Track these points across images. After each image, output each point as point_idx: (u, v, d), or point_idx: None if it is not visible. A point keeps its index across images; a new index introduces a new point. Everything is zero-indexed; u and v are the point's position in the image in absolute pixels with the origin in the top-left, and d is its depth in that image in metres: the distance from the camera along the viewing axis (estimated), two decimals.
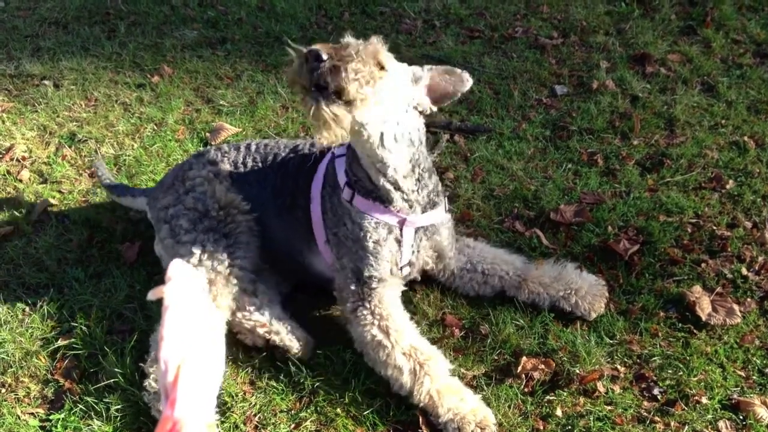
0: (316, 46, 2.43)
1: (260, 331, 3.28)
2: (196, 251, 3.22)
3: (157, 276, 3.60)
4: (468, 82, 3.04)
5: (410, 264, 3.31)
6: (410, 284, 3.49)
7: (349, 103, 2.52)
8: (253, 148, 3.53)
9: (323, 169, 3.28)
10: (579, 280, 3.49)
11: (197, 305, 1.67)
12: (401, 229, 3.17)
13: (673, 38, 5.73)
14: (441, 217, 3.29)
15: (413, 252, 3.29)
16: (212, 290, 3.16)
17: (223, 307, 3.21)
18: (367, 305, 3.13)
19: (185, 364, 1.52)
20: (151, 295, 1.67)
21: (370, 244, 3.12)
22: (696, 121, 4.77)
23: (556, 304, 3.47)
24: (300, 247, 3.42)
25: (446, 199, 3.35)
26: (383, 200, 3.07)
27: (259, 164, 3.49)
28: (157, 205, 3.44)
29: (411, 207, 3.11)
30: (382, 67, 2.67)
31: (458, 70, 3.04)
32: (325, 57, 2.42)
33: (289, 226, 3.40)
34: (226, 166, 3.49)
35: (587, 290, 3.46)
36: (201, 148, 3.69)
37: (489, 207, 4.10)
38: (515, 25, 6.02)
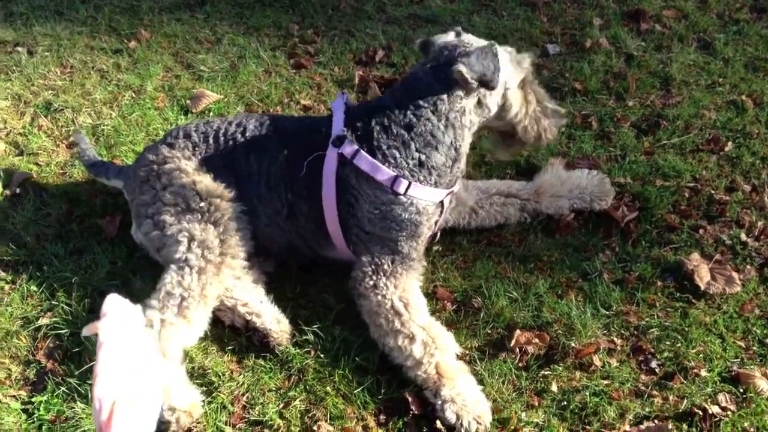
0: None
1: (241, 310, 3.18)
2: (184, 239, 3.12)
3: (138, 253, 3.49)
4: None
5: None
6: None
7: None
8: (222, 141, 3.34)
9: (332, 176, 3.12)
10: (582, 179, 3.74)
11: (133, 341, 1.66)
12: (442, 202, 3.24)
13: None
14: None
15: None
16: (201, 279, 3.06)
17: (211, 297, 3.11)
18: (392, 280, 3.11)
19: (120, 402, 1.52)
20: (86, 331, 1.65)
21: (424, 230, 3.17)
22: (692, 80, 4.63)
23: (574, 206, 3.73)
24: (311, 246, 3.36)
25: None
26: (438, 182, 3.14)
27: (231, 163, 3.33)
28: (136, 200, 3.33)
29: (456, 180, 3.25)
30: None
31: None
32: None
33: (293, 233, 3.32)
34: (197, 162, 3.33)
35: (594, 185, 3.73)
36: (171, 130, 3.50)
37: (481, 173, 3.99)
38: None
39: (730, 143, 4.11)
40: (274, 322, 3.18)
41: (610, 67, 4.75)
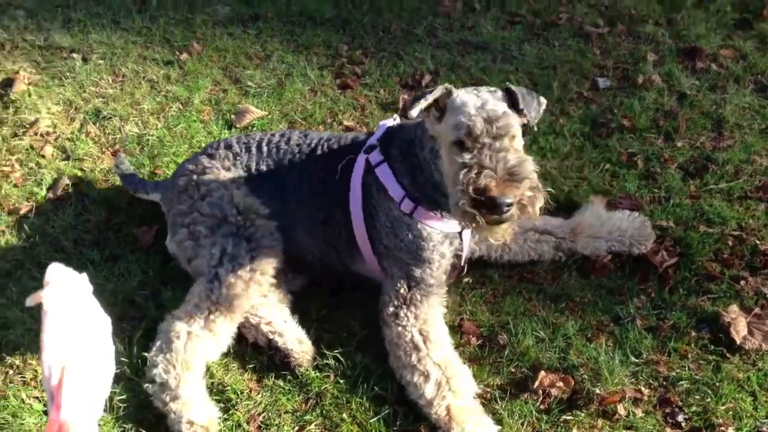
0: (500, 195, 2.54)
1: (265, 328, 3.19)
2: (216, 252, 3.16)
3: (171, 264, 3.52)
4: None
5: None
6: None
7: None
8: (265, 150, 3.42)
9: (359, 181, 3.18)
10: (622, 222, 3.64)
11: (80, 308, 1.68)
12: (461, 233, 3.16)
13: (727, 32, 5.42)
14: None
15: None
16: (229, 294, 3.09)
17: (238, 312, 3.14)
18: (413, 309, 3.09)
19: (69, 368, 1.54)
20: (30, 301, 1.66)
21: (434, 256, 3.11)
22: (746, 124, 4.51)
23: (612, 248, 3.62)
24: (341, 258, 3.36)
25: None
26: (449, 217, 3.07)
27: (274, 169, 3.39)
28: (173, 209, 3.38)
29: None
30: (514, 137, 2.78)
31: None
32: (512, 201, 2.56)
33: (326, 241, 3.33)
34: (240, 172, 3.40)
35: (635, 227, 3.63)
36: (212, 142, 3.58)
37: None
38: (559, 10, 5.74)
39: None
40: (297, 342, 3.18)
41: (661, 105, 4.65)
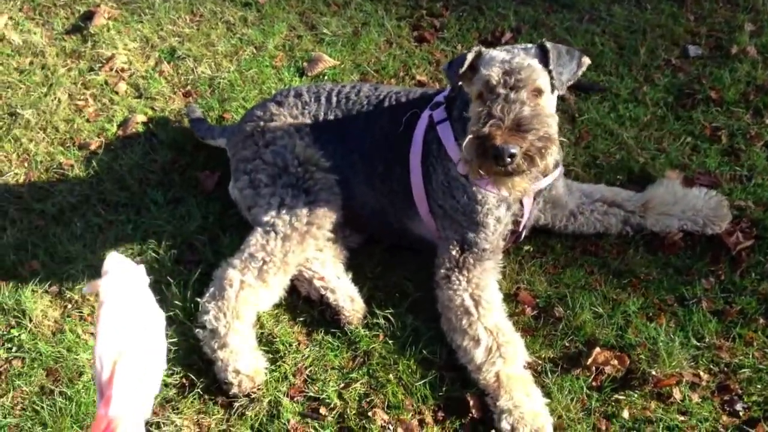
0: (503, 143, 2.49)
1: (317, 283, 3.18)
2: (274, 203, 3.17)
3: (231, 211, 3.55)
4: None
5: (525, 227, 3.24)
6: None
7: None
8: (334, 101, 3.38)
9: (421, 136, 3.14)
10: (698, 200, 3.47)
11: (136, 300, 1.64)
12: (521, 200, 3.08)
13: None
14: (557, 173, 3.15)
15: (531, 214, 3.22)
16: (285, 246, 3.09)
17: (292, 264, 3.15)
18: (465, 273, 3.03)
19: (121, 362, 1.50)
20: (87, 290, 1.65)
21: (489, 220, 3.05)
22: None
23: (684, 227, 3.46)
24: (398, 215, 3.32)
25: (562, 152, 3.19)
26: None
27: (342, 120, 3.35)
28: (237, 155, 3.39)
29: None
30: (539, 92, 2.71)
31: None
32: (516, 151, 2.49)
33: (384, 196, 3.29)
34: (307, 120, 3.37)
35: (710, 207, 3.45)
36: (282, 89, 3.56)
37: (589, 175, 3.79)
38: None
39: None
40: (348, 300, 3.16)
41: (753, 79, 4.37)
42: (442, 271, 3.07)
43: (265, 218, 3.14)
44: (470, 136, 2.57)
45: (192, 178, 3.78)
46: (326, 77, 4.44)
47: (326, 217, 3.19)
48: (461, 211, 3.03)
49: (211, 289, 3.08)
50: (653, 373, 2.90)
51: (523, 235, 3.31)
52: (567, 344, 3.06)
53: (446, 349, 3.01)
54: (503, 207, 3.04)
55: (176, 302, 3.17)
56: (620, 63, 4.53)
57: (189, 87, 4.34)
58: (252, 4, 5.02)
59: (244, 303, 3.01)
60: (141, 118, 4.09)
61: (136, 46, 4.62)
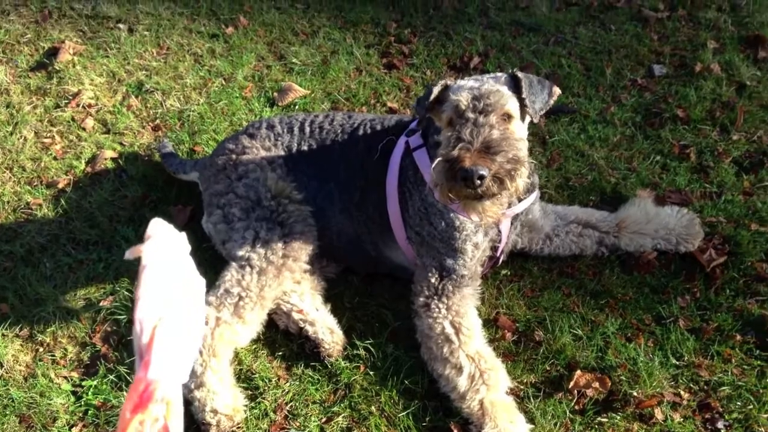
0: (472, 165, 2.46)
1: (296, 316, 3.15)
2: (249, 237, 3.12)
3: (206, 244, 3.49)
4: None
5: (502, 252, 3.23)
6: None
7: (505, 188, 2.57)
8: (308, 131, 3.36)
9: (397, 163, 3.13)
10: (670, 219, 3.49)
11: (177, 266, 1.64)
12: (498, 224, 3.07)
13: None
14: (533, 197, 3.17)
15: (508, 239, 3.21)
16: (261, 280, 3.05)
17: (269, 299, 3.11)
18: (444, 300, 3.01)
19: (161, 326, 1.50)
20: (129, 254, 1.63)
21: (467, 246, 3.03)
22: None
23: (657, 246, 3.48)
24: (375, 243, 3.30)
25: (537, 176, 3.23)
26: None
27: (316, 150, 3.33)
28: (210, 189, 3.35)
29: (510, 203, 2.96)
30: (509, 117, 2.73)
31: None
32: (485, 173, 2.47)
33: (361, 224, 3.27)
34: (280, 152, 3.34)
35: (682, 225, 3.48)
36: (255, 121, 3.55)
37: (562, 197, 3.81)
38: None
39: None
40: (328, 332, 3.13)
41: (718, 96, 4.45)
42: (421, 299, 3.05)
43: (240, 252, 3.10)
44: (439, 159, 2.56)
45: (164, 213, 3.73)
46: (297, 107, 4.43)
47: (302, 250, 3.15)
48: (439, 237, 3.02)
49: None
50: (634, 394, 2.90)
51: (500, 260, 3.31)
52: (548, 368, 3.05)
53: (428, 378, 2.98)
54: (481, 233, 3.04)
55: None
56: (587, 84, 4.58)
57: (158, 120, 4.30)
58: (219, 36, 5.01)
59: (221, 340, 2.96)
60: (110, 153, 4.04)
61: (102, 81, 4.57)
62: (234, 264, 3.10)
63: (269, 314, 3.16)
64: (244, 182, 3.23)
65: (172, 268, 1.62)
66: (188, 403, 2.89)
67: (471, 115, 2.62)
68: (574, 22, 5.19)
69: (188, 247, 1.72)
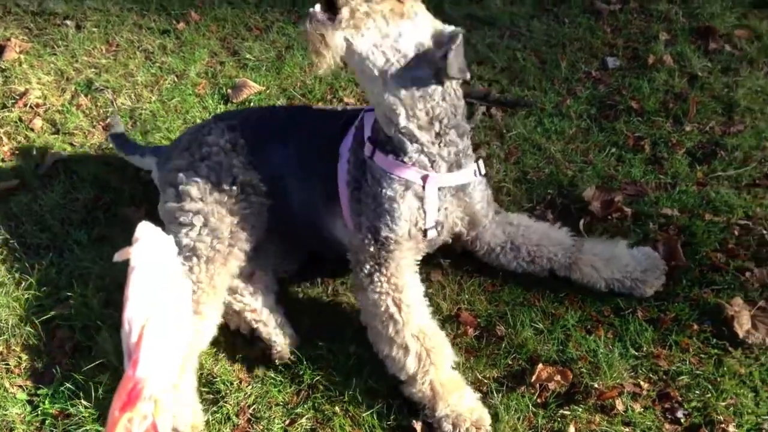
0: None
1: (248, 316, 3.10)
2: (198, 223, 3.02)
3: None
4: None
5: (438, 224, 3.04)
6: (426, 275, 3.30)
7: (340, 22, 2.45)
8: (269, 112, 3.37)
9: (352, 130, 3.07)
10: (633, 262, 3.30)
11: (165, 268, 1.72)
12: (423, 187, 2.91)
13: (742, 10, 5.24)
14: (469, 178, 3.03)
15: (440, 211, 3.03)
16: (209, 269, 2.98)
17: (220, 287, 3.03)
18: (384, 271, 2.90)
19: (149, 325, 1.56)
20: (118, 257, 1.73)
21: (387, 202, 2.90)
22: (758, 108, 4.36)
23: (611, 287, 3.30)
24: (318, 210, 3.18)
25: (479, 163, 3.08)
26: (398, 153, 2.86)
27: (276, 129, 3.25)
28: (168, 165, 3.23)
29: (432, 163, 2.88)
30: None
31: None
32: None
33: (310, 187, 3.17)
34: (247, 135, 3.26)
35: (642, 268, 3.28)
36: (222, 111, 3.50)
37: (521, 191, 3.82)
38: None
39: None
40: (280, 333, 3.08)
41: (671, 87, 4.51)
42: (365, 269, 2.93)
43: (185, 241, 3.00)
44: None
45: (118, 214, 3.65)
46: (252, 103, 4.37)
47: (248, 242, 3.10)
48: (371, 194, 2.93)
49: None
50: (596, 386, 2.92)
51: (441, 236, 3.15)
52: (510, 362, 3.06)
53: (392, 377, 2.96)
54: (410, 193, 2.92)
55: (107, 348, 3.03)
56: (543, 77, 4.61)
57: (109, 120, 4.20)
58: (170, 32, 4.92)
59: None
60: (59, 155, 3.94)
61: (50, 80, 4.45)
62: (179, 258, 2.99)
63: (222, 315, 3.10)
64: (207, 163, 3.12)
65: (159, 269, 1.69)
66: None
67: None
68: (528, 16, 5.22)
69: (175, 250, 1.80)
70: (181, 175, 3.12)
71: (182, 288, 1.75)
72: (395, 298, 2.88)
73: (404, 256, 2.96)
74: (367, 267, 2.94)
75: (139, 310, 1.59)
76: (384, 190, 2.90)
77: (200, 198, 3.06)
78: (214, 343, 3.08)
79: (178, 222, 3.06)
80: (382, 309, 2.88)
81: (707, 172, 3.92)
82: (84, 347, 3.09)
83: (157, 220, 3.30)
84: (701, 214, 3.65)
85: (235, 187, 3.09)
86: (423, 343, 2.83)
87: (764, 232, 3.55)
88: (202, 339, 2.99)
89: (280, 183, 3.18)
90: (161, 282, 1.67)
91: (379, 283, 2.90)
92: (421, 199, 2.94)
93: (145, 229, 1.76)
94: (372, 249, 2.93)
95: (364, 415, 2.87)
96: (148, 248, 1.71)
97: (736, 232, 3.57)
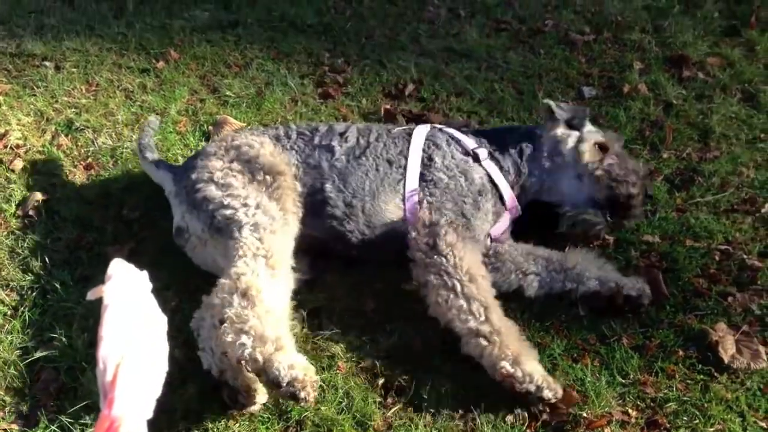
0: None
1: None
2: (252, 204, 3.22)
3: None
4: None
5: None
6: (413, 307, 3.31)
7: None
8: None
9: (422, 135, 3.62)
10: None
11: (139, 304, 1.72)
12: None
13: (714, 39, 5.37)
14: None
15: None
16: (270, 239, 3.12)
17: (286, 255, 3.19)
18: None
19: (124, 363, 1.55)
20: (91, 295, 1.73)
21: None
22: (733, 134, 4.45)
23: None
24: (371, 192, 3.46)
25: None
26: None
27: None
28: (196, 168, 3.42)
29: None
30: None
31: None
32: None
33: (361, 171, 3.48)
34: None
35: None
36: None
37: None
38: (545, 17, 5.68)
39: (767, 205, 3.91)
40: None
41: (647, 115, 4.58)
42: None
43: (245, 219, 3.17)
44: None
45: (101, 254, 3.61)
46: None
47: (291, 225, 3.32)
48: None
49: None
50: (584, 415, 2.92)
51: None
52: (499, 392, 3.05)
53: (381, 413, 2.95)
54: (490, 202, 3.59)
55: (92, 389, 2.99)
56: (521, 108, 4.67)
57: (90, 159, 4.18)
58: (150, 70, 4.93)
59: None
60: (41, 195, 3.90)
61: (30, 121, 4.43)
62: (244, 230, 3.13)
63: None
64: (238, 161, 3.41)
65: (133, 306, 1.68)
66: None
67: None
68: (504, 48, 5.30)
69: (149, 286, 1.79)
70: (217, 174, 3.35)
71: (157, 323, 1.74)
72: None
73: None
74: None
75: (114, 348, 1.58)
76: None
77: (243, 186, 3.32)
78: (201, 384, 3.03)
79: (230, 206, 3.24)
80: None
81: (686, 198, 3.98)
82: (69, 388, 3.04)
83: (140, 258, 3.33)
84: (682, 240, 3.70)
85: (269, 176, 3.36)
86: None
87: (744, 256, 3.61)
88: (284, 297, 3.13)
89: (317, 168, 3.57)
90: (135, 319, 1.66)
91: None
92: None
93: (118, 267, 1.75)
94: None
95: None
96: (122, 286, 1.71)
97: (717, 258, 3.62)
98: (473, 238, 3.37)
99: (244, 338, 2.71)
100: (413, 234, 3.33)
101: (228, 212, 3.21)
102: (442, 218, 3.33)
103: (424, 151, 3.54)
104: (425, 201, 3.41)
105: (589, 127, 3.73)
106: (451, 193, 3.42)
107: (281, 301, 3.04)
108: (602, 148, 3.61)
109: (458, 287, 3.12)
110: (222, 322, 2.79)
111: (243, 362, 2.70)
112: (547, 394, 2.88)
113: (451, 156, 3.54)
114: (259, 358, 2.69)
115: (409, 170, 3.48)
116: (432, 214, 3.36)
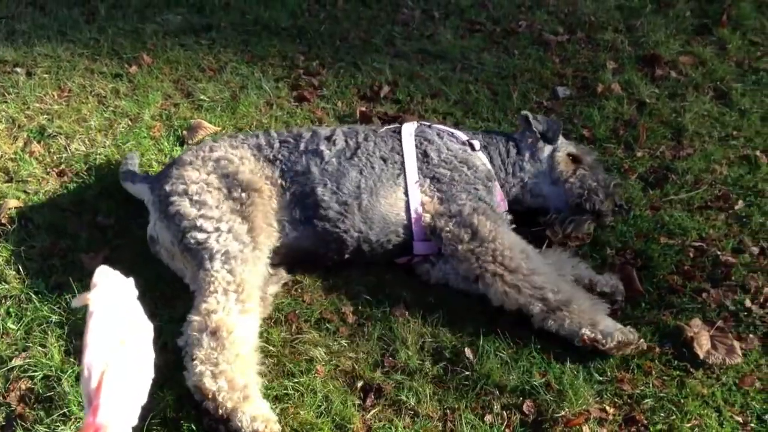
0: None
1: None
2: (224, 229, 3.18)
3: None
4: None
5: None
6: (391, 310, 3.32)
7: None
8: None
9: (411, 132, 3.66)
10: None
11: (125, 312, 1.68)
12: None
13: (686, 37, 5.43)
14: None
15: None
16: (241, 270, 3.09)
17: (256, 288, 3.15)
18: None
19: (109, 371, 1.53)
20: (76, 303, 1.67)
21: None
22: (705, 132, 4.50)
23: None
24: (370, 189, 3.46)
25: None
26: None
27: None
28: (171, 179, 3.38)
29: None
30: None
31: None
32: None
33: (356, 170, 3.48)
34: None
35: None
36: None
37: None
38: (519, 18, 5.72)
39: (740, 201, 3.97)
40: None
41: (620, 115, 4.62)
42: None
43: (216, 246, 3.14)
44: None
45: (75, 261, 3.58)
46: None
47: (266, 245, 3.28)
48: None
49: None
50: (562, 413, 2.93)
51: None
52: (478, 392, 3.05)
53: (361, 415, 2.94)
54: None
55: (69, 398, 2.97)
56: (495, 108, 4.69)
57: (63, 166, 4.14)
58: (123, 75, 4.89)
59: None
60: (14, 203, 3.85)
61: (1, 128, 4.37)
62: (215, 262, 3.10)
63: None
64: (220, 172, 3.37)
65: (119, 313, 1.65)
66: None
67: None
68: (478, 49, 5.32)
69: (135, 292, 1.75)
70: (192, 187, 3.31)
71: (143, 330, 1.70)
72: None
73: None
74: None
75: (99, 355, 1.56)
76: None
77: (217, 206, 3.27)
78: (179, 386, 3.00)
79: (201, 228, 3.21)
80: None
81: (660, 195, 4.02)
82: (45, 398, 3.01)
83: (115, 265, 3.28)
84: (656, 237, 3.74)
85: (244, 193, 3.34)
86: None
87: (718, 253, 3.64)
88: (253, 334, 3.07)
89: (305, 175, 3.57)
90: (121, 326, 1.63)
91: None
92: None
93: (103, 274, 1.72)
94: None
95: None
96: (107, 293, 1.67)
97: (691, 254, 3.65)
98: (501, 218, 3.47)
99: (221, 382, 2.80)
100: (442, 225, 3.37)
101: (200, 236, 3.18)
102: (465, 207, 3.37)
103: (416, 146, 3.58)
104: (435, 196, 3.45)
105: (562, 140, 3.86)
106: (459, 185, 3.47)
107: (251, 336, 3.02)
108: (575, 159, 3.75)
109: (523, 268, 3.21)
110: (193, 359, 2.87)
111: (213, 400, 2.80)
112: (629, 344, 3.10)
113: (446, 148, 3.60)
114: (229, 405, 2.76)
115: (407, 164, 3.52)
116: (450, 204, 3.40)
